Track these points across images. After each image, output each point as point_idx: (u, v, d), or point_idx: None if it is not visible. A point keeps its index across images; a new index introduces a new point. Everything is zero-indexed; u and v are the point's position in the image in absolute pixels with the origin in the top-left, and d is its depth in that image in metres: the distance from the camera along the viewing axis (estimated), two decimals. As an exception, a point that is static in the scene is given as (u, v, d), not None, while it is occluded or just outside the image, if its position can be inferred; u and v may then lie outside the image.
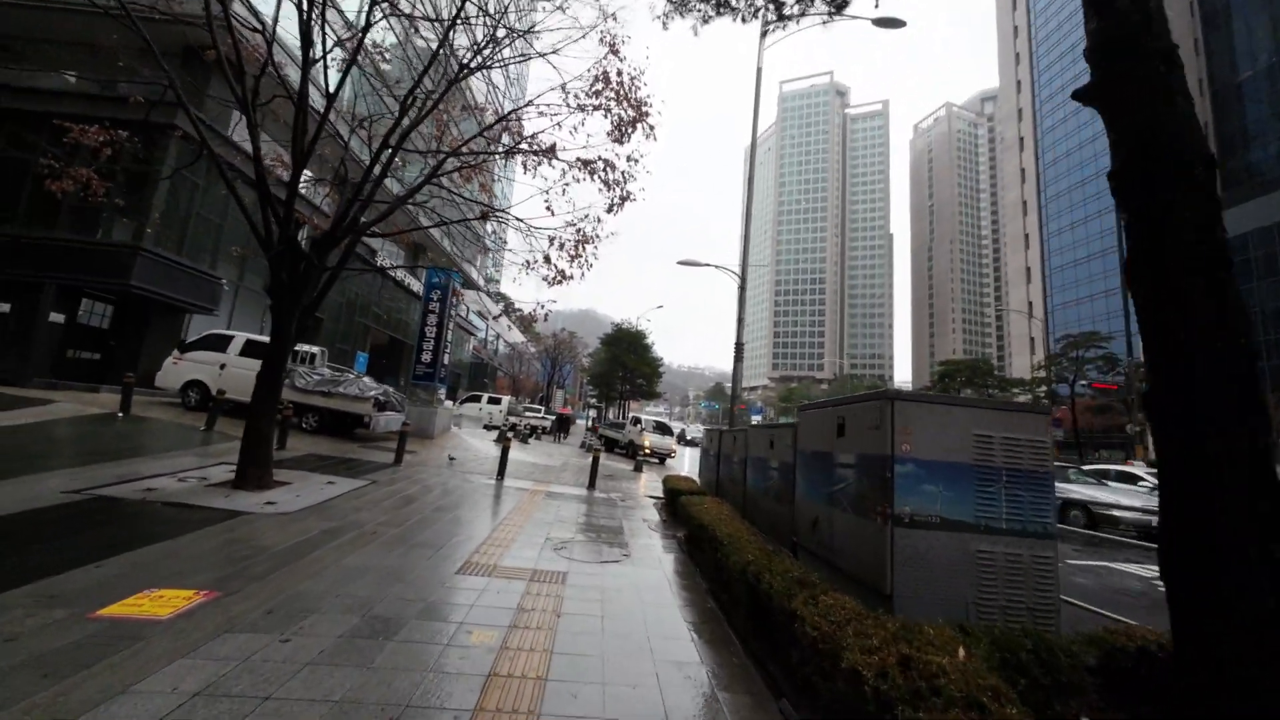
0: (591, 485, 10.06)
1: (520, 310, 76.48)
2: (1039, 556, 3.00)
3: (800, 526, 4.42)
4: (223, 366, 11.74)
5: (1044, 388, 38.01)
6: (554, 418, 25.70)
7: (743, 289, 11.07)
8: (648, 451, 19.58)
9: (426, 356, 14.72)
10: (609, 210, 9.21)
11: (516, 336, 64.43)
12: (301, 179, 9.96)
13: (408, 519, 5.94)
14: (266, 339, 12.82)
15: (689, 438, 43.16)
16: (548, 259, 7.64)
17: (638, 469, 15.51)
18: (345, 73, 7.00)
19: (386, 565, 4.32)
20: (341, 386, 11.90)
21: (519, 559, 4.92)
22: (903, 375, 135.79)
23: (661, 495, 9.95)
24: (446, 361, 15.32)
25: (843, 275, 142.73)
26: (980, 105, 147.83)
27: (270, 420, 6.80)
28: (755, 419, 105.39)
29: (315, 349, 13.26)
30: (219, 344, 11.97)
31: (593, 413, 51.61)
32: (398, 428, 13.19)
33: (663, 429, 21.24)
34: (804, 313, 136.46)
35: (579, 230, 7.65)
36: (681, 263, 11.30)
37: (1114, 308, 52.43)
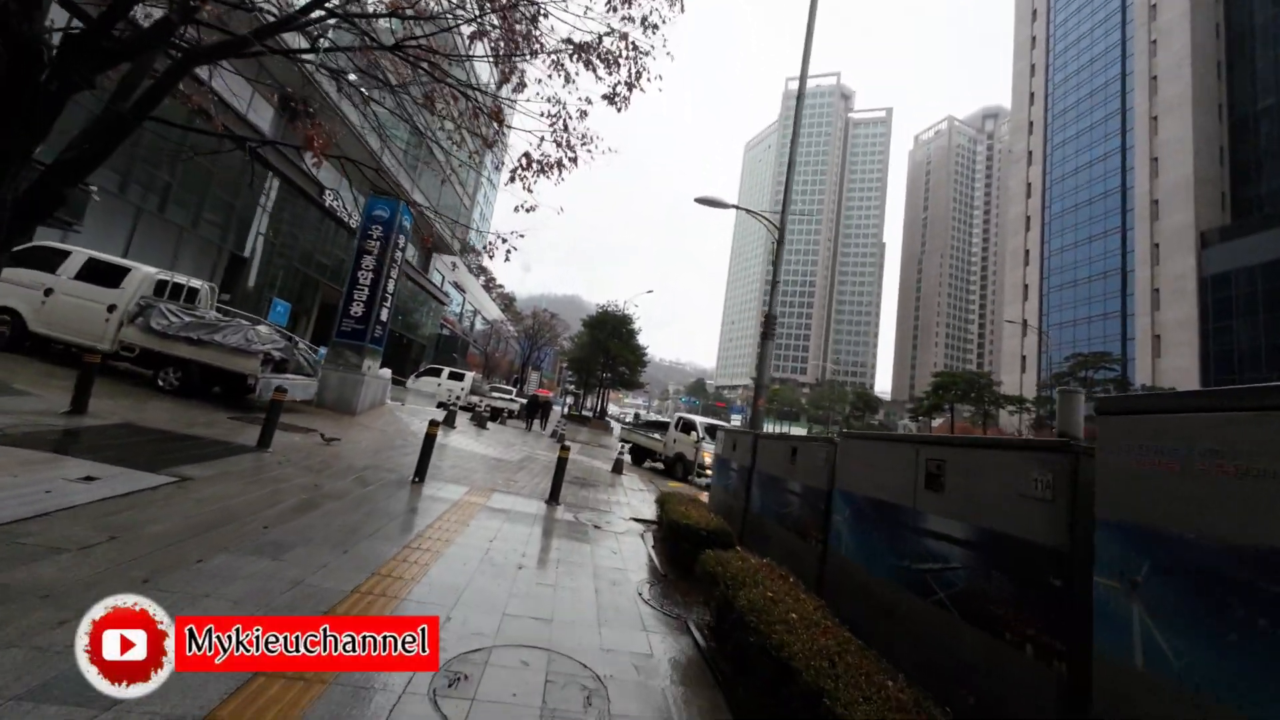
0: (554, 497, 7.01)
1: (498, 285, 72.82)
2: None
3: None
4: (48, 292, 8.33)
5: (1048, 407, 36.10)
6: (525, 401, 21.93)
7: (780, 243, 8.11)
8: (709, 472, 13.34)
9: (357, 309, 11.40)
10: (610, 100, 6.22)
11: (495, 312, 60.79)
12: None
13: (150, 578, 2.84)
14: (125, 261, 9.45)
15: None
16: (498, 116, 4.55)
17: (617, 469, 12.56)
18: None
19: None
20: (220, 334, 8.59)
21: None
22: (882, 385, 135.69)
23: (653, 519, 7.01)
24: (385, 318, 12.03)
25: (833, 280, 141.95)
26: (981, 122, 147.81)
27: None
28: (736, 419, 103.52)
29: (199, 282, 9.86)
30: (48, 261, 8.54)
31: (570, 399, 48.35)
32: (306, 396, 9.99)
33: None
34: (791, 314, 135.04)
35: (564, 74, 4.57)
36: (701, 200, 8.26)
37: (1112, 331, 51.31)
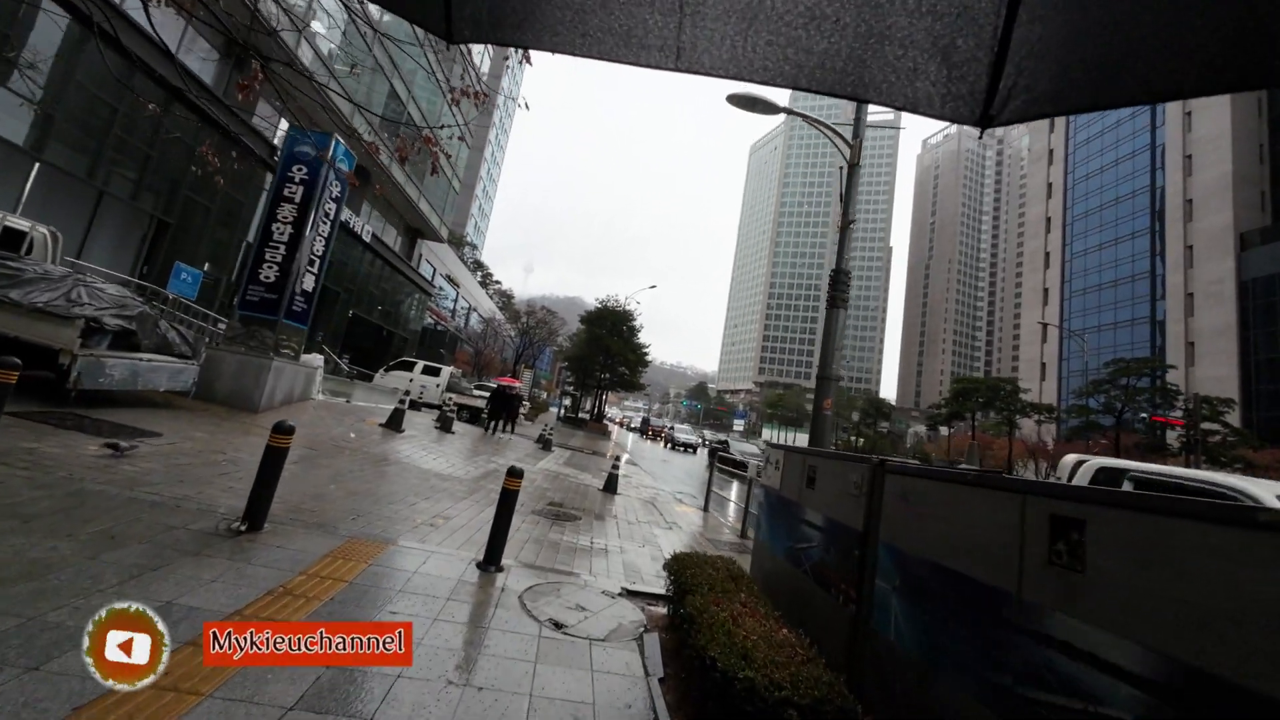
0: (491, 559, 4.16)
1: (496, 281, 70.24)
2: None
3: None
4: None
5: (1085, 417, 33.15)
6: (490, 393, 17.30)
7: (855, 166, 5.35)
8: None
9: (269, 272, 8.59)
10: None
11: (489, 305, 58.05)
12: None
13: None
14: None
15: (680, 440, 37.20)
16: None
17: (609, 488, 9.78)
18: None
19: None
20: (20, 290, 5.79)
21: None
22: (886, 392, 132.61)
23: (661, 592, 4.17)
24: (310, 287, 9.22)
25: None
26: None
27: None
28: (739, 425, 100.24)
29: (27, 223, 7.06)
30: None
31: (567, 400, 45.40)
32: (176, 385, 7.17)
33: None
34: (795, 318, 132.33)
35: None
36: (733, 98, 5.55)
37: (1140, 338, 48.40)
